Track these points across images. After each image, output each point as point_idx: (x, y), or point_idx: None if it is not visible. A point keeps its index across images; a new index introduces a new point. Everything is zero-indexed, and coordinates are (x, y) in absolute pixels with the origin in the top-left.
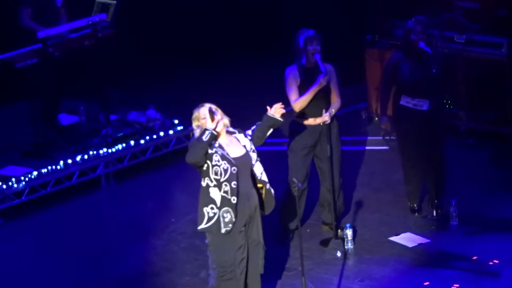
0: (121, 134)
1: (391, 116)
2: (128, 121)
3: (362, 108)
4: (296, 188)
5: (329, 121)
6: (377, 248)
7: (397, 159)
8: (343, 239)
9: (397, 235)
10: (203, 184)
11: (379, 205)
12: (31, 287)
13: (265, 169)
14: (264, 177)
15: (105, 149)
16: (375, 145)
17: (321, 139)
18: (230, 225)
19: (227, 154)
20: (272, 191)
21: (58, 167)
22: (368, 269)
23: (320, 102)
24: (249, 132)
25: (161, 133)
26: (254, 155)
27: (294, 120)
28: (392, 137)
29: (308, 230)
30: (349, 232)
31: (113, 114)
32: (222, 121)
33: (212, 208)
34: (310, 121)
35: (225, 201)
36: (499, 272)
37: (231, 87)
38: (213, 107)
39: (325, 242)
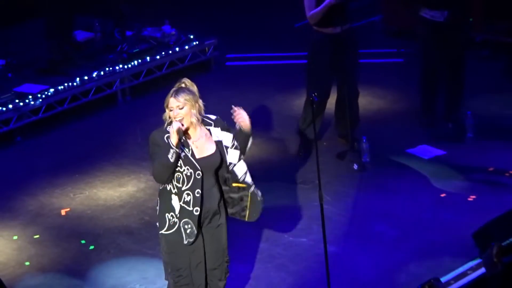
0: (136, 50)
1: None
2: (143, 36)
3: (376, 20)
4: (312, 100)
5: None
6: (393, 160)
7: (412, 72)
8: (359, 151)
9: (413, 147)
10: (166, 187)
11: (395, 117)
12: (47, 204)
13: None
14: (248, 178)
15: (121, 65)
16: (390, 57)
17: (339, 49)
18: (193, 237)
19: (192, 155)
20: (259, 194)
21: (75, 83)
22: (384, 181)
23: (338, 12)
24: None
25: (177, 49)
26: (235, 153)
27: (313, 30)
28: (408, 50)
29: (324, 143)
30: (365, 145)
31: (128, 30)
32: (192, 111)
33: (172, 216)
34: (329, 30)
35: (185, 212)
36: None
37: (244, 3)
38: (183, 96)
39: (341, 155)
